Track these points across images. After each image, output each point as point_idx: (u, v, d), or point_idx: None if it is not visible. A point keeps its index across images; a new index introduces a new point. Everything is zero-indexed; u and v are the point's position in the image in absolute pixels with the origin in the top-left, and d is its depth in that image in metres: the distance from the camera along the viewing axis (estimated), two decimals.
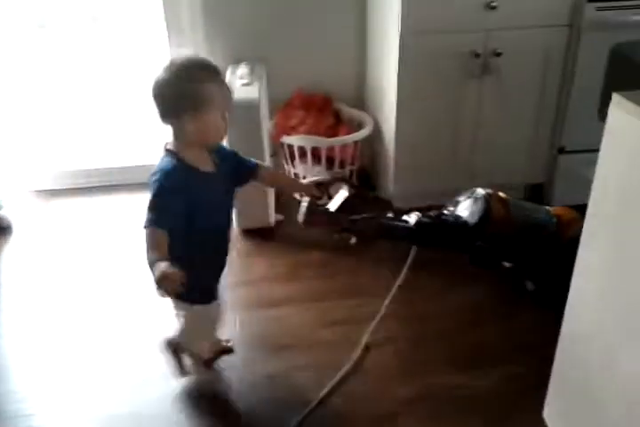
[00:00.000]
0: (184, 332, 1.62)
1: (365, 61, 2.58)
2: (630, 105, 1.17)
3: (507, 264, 2.02)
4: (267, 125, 2.28)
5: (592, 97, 2.30)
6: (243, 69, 2.31)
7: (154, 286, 1.29)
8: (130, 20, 2.88)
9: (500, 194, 1.89)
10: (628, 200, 1.18)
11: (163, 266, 1.25)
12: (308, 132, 2.38)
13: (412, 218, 1.77)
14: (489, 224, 1.82)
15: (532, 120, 2.35)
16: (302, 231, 1.68)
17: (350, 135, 2.40)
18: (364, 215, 1.69)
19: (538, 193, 2.53)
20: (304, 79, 2.54)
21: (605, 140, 1.27)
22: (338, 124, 2.53)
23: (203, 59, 1.49)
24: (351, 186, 1.60)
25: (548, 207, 2.00)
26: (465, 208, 1.85)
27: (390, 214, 1.76)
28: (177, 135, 1.42)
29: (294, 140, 2.38)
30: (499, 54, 2.18)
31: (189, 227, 1.39)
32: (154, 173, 1.39)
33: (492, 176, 2.37)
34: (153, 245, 1.32)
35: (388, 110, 2.34)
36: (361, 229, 1.68)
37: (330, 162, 2.42)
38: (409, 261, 1.79)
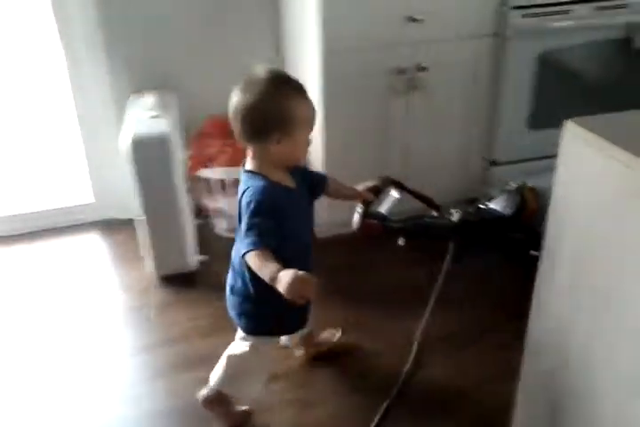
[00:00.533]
0: (235, 375, 1.50)
1: None
2: (589, 134, 1.03)
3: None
4: (180, 159, 2.05)
5: (521, 106, 2.22)
6: (150, 100, 2.07)
7: (289, 295, 1.18)
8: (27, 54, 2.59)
9: (530, 185, 1.92)
10: (584, 240, 1.04)
11: (291, 272, 1.18)
12: (229, 162, 2.17)
13: (454, 216, 1.77)
14: (524, 215, 1.87)
15: (463, 134, 2.23)
16: (227, 273, 1.50)
17: None
18: (410, 216, 1.68)
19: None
20: (220, 104, 2.30)
21: (560, 171, 1.12)
22: None
23: (283, 72, 1.38)
24: (401, 188, 1.55)
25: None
26: (500, 202, 1.89)
27: (435, 213, 1.74)
28: (260, 156, 1.34)
29: (214, 173, 2.16)
30: (424, 69, 2.03)
31: (282, 245, 1.28)
32: (247, 195, 1.30)
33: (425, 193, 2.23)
34: (265, 260, 1.24)
35: (315, 131, 2.15)
36: (410, 230, 1.66)
37: None
38: (448, 258, 1.75)
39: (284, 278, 1.18)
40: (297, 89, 1.32)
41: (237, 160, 2.22)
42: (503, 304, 1.93)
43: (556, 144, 2.46)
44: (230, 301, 1.47)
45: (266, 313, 1.42)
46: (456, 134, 2.22)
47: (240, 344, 1.50)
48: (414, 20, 1.94)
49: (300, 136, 1.32)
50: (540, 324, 1.22)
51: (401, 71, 2.02)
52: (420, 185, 2.20)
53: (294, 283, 1.17)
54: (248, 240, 1.26)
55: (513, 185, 1.93)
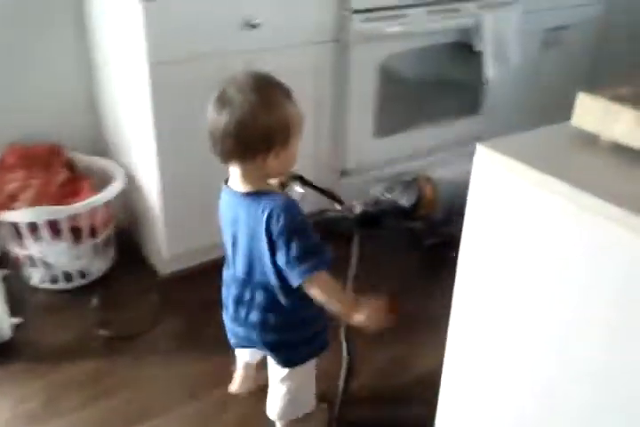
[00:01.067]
0: (297, 400, 1.36)
1: (99, 98, 2.03)
2: (499, 157, 0.91)
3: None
4: None
5: (367, 114, 2.10)
6: None
7: (371, 323, 1.17)
8: None
9: (428, 174, 2.01)
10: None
11: (373, 301, 1.18)
12: (37, 199, 1.77)
13: (356, 208, 1.74)
14: (422, 205, 1.97)
15: (311, 146, 2.04)
16: (54, 333, 1.16)
17: (98, 195, 1.82)
18: (312, 212, 1.54)
19: None
20: (19, 131, 1.91)
21: (473, 200, 0.97)
22: (75, 178, 1.93)
23: (266, 75, 1.19)
24: (304, 183, 1.40)
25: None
26: (398, 193, 1.95)
27: (338, 207, 1.66)
28: (257, 173, 1.17)
29: (19, 216, 1.74)
30: None
31: None
32: (277, 218, 1.11)
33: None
34: (335, 287, 1.16)
35: (145, 154, 1.83)
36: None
37: (76, 233, 1.83)
38: (355, 250, 1.64)
39: (367, 308, 1.17)
40: (286, 93, 1.16)
41: (48, 195, 1.85)
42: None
43: (402, 149, 2.37)
44: (268, 338, 1.26)
45: (312, 336, 1.31)
46: (303, 147, 2.03)
47: (291, 376, 1.32)
48: (251, 25, 1.71)
49: (295, 144, 1.18)
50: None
51: None
52: None
53: (379, 311, 1.17)
54: (309, 264, 1.12)
55: (410, 176, 2.01)
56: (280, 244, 1.13)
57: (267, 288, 1.20)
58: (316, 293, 1.15)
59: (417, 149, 2.27)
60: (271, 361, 1.32)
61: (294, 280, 1.14)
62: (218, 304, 1.32)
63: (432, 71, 2.19)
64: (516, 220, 0.93)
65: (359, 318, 1.17)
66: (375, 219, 1.79)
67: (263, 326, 1.24)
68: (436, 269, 1.99)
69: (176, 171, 1.80)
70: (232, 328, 1.31)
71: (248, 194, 1.16)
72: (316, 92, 1.96)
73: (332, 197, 1.54)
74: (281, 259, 1.14)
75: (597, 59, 2.77)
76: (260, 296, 1.22)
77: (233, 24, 1.70)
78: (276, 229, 1.12)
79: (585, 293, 0.87)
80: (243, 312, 1.25)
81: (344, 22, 1.87)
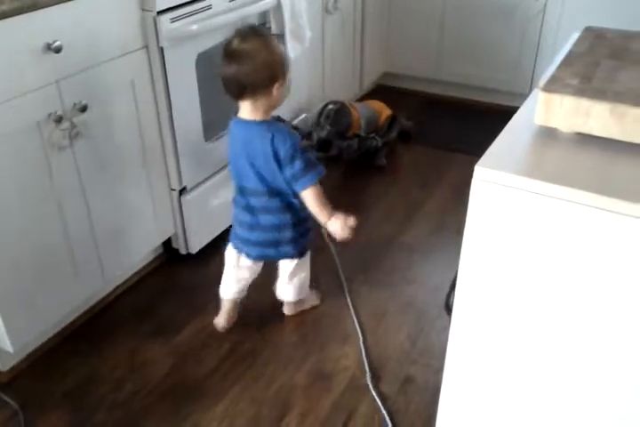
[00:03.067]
0: (303, 284, 1.77)
1: None
2: (496, 173, 0.85)
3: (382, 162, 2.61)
4: None
5: (195, 119, 1.88)
6: None
7: (337, 235, 1.53)
8: None
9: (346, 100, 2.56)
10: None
11: (342, 218, 1.51)
12: None
13: (314, 137, 2.42)
14: (352, 127, 2.47)
15: (140, 170, 1.78)
16: None
17: None
18: None
19: (170, 248, 2.04)
20: None
21: (471, 215, 0.91)
22: None
23: (255, 26, 1.69)
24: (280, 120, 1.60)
25: (367, 104, 2.66)
26: (333, 118, 2.40)
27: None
28: (263, 105, 1.47)
29: None
30: (85, 108, 1.50)
31: None
32: (280, 140, 1.45)
33: (117, 264, 1.81)
34: (324, 198, 1.51)
35: None
36: None
37: None
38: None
39: (337, 222, 1.51)
40: (275, 37, 1.52)
41: None
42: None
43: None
44: (275, 237, 1.61)
45: (306, 233, 1.66)
46: (135, 173, 1.77)
47: (298, 268, 1.71)
48: (56, 50, 1.38)
49: (287, 77, 1.49)
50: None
51: (57, 119, 1.45)
52: (110, 257, 1.77)
53: (344, 228, 1.51)
54: (309, 176, 1.47)
55: (335, 104, 2.44)
56: (287, 161, 1.45)
57: (280, 193, 1.53)
58: (310, 198, 1.49)
59: None
60: (283, 261, 1.70)
61: (299, 188, 1.48)
62: None
63: None
64: (521, 230, 0.90)
65: (332, 226, 1.52)
66: (329, 143, 2.40)
67: (280, 225, 1.59)
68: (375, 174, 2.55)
69: None
70: (249, 239, 1.63)
71: (259, 122, 1.48)
72: (138, 109, 1.70)
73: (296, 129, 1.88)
74: (288, 172, 1.47)
75: (364, 22, 2.84)
76: (275, 202, 1.55)
77: (33, 48, 1.35)
78: (282, 149, 1.44)
79: (591, 293, 0.88)
80: (262, 218, 1.58)
81: (151, 26, 1.62)
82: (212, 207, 2.04)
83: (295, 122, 2.41)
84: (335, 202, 1.55)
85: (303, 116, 2.47)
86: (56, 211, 1.56)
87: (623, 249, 0.83)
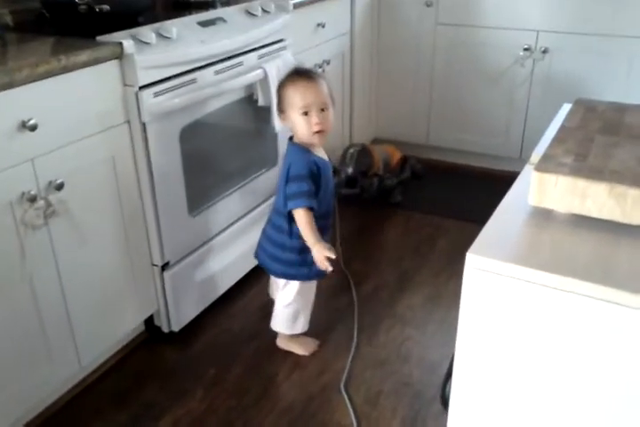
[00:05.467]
0: (288, 319, 1.83)
1: None
2: (489, 261, 0.78)
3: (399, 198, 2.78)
4: None
5: (179, 194, 1.83)
6: None
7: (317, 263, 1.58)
8: None
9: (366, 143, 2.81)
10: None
11: (322, 248, 1.56)
12: None
13: (342, 174, 2.59)
14: (373, 167, 2.65)
15: (120, 245, 1.71)
16: None
17: None
18: None
19: (151, 326, 1.94)
20: None
21: (465, 306, 0.84)
22: None
23: (301, 66, 1.74)
24: None
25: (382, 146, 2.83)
26: (356, 159, 2.58)
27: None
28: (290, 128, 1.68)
29: None
30: (61, 186, 1.45)
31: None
32: (290, 163, 1.63)
33: (94, 346, 1.73)
34: (307, 222, 1.59)
35: None
36: None
37: None
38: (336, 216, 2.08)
39: (318, 250, 1.56)
40: (300, 75, 1.62)
41: None
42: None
43: (216, 223, 2.13)
44: (271, 252, 1.74)
45: (296, 262, 1.70)
46: (113, 250, 1.70)
47: (286, 294, 1.78)
48: (31, 128, 1.33)
49: (293, 116, 1.61)
50: None
51: (31, 199, 1.39)
52: (87, 332, 1.65)
53: (322, 258, 1.55)
54: (304, 199, 1.58)
55: (357, 146, 2.63)
56: (293, 179, 1.59)
57: (279, 212, 1.68)
58: (298, 218, 1.59)
59: (234, 214, 2.08)
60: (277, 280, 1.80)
61: (292, 205, 1.59)
62: None
63: (230, 133, 2.00)
64: (517, 320, 0.83)
65: (314, 253, 1.57)
66: (355, 180, 2.55)
67: (264, 234, 1.77)
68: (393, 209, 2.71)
69: None
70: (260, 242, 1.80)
71: (290, 143, 1.68)
72: (119, 185, 1.64)
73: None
74: (290, 189, 1.59)
75: (353, 89, 2.86)
76: (272, 217, 1.73)
77: (7, 128, 1.31)
78: (294, 167, 1.60)
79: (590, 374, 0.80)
80: (266, 225, 1.78)
81: (133, 101, 1.59)
82: (197, 282, 1.96)
83: None
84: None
85: None
86: (28, 293, 1.47)
87: (622, 340, 0.76)
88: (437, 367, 1.79)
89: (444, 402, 0.99)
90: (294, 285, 1.76)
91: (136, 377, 1.79)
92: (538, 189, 0.87)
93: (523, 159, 2.83)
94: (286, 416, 1.65)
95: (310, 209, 1.58)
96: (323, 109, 1.60)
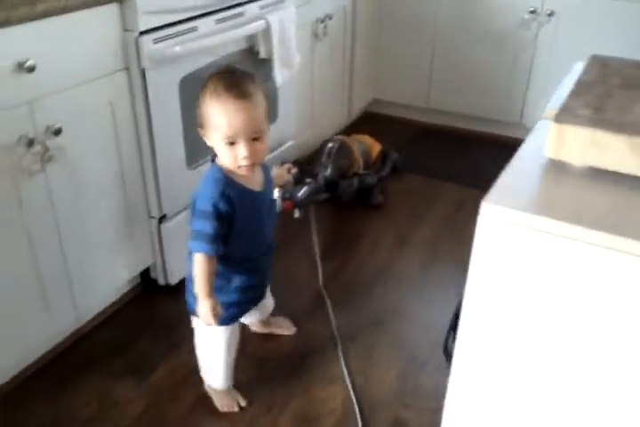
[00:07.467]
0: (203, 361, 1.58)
1: None
2: (507, 210, 0.78)
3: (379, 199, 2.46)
4: None
5: (177, 145, 1.79)
6: None
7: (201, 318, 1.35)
8: None
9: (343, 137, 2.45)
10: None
11: (213, 302, 1.31)
12: None
13: (320, 178, 2.19)
14: (352, 166, 2.37)
15: (118, 196, 1.69)
16: None
17: None
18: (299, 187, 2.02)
19: (147, 278, 1.93)
20: None
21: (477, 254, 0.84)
22: None
23: (232, 68, 1.36)
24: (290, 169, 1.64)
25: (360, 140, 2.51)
26: (334, 159, 2.29)
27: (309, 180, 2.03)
28: None
29: None
30: (59, 131, 1.41)
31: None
32: (208, 189, 1.30)
33: (91, 296, 1.73)
34: (202, 271, 1.30)
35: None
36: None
37: None
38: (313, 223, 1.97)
39: (205, 304, 1.31)
40: (229, 89, 1.22)
41: None
42: None
43: None
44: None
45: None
46: (110, 201, 1.67)
47: (196, 332, 1.52)
48: (29, 69, 1.29)
49: (214, 140, 1.27)
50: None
51: (29, 143, 1.35)
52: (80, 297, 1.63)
53: (208, 313, 1.32)
54: (203, 244, 1.28)
55: (334, 142, 2.33)
56: (197, 214, 1.29)
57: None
58: (195, 262, 1.30)
59: None
60: None
61: (190, 246, 1.30)
62: None
63: None
64: (530, 271, 0.82)
65: (200, 306, 1.32)
66: (335, 184, 2.23)
67: (189, 271, 1.38)
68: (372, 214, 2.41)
69: None
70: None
71: (211, 163, 1.37)
72: (119, 129, 1.61)
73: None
74: (193, 226, 1.30)
75: (354, 47, 2.80)
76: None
77: (5, 67, 1.27)
78: (199, 201, 1.30)
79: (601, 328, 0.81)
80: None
81: (133, 47, 1.54)
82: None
83: (283, 148, 2.33)
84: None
85: (290, 143, 2.39)
86: (25, 241, 1.45)
87: (637, 291, 0.76)
88: (432, 327, 1.80)
89: (447, 354, 1.00)
90: (198, 324, 1.48)
91: (132, 328, 1.79)
92: (556, 141, 0.85)
93: (523, 124, 2.82)
94: (280, 368, 1.67)
95: (213, 256, 1.29)
96: (255, 139, 1.24)
